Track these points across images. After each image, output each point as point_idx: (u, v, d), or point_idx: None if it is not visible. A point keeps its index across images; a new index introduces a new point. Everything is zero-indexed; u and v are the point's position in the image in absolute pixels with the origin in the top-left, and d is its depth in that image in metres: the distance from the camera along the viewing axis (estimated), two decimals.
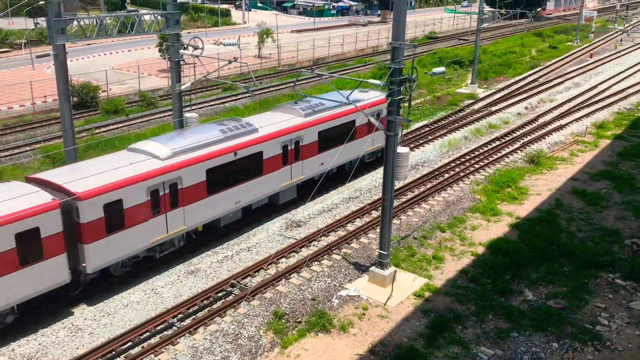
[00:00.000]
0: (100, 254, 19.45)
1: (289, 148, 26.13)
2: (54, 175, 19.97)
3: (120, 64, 59.57)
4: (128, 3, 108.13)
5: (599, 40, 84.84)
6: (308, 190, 27.84)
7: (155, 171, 20.75)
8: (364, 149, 30.44)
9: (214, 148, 23.00)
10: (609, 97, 50.77)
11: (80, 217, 18.75)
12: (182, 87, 27.83)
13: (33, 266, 17.78)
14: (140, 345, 17.75)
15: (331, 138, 28.14)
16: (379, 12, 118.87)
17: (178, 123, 27.98)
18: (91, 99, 43.19)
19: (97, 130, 38.17)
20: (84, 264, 19.27)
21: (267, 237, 24.77)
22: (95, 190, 18.97)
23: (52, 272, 18.33)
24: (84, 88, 43.10)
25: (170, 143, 22.23)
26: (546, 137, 39.50)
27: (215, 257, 23.09)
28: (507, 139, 38.63)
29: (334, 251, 23.54)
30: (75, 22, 23.45)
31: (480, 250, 24.15)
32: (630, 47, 78.49)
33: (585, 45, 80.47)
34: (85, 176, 19.51)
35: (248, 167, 24.29)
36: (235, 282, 20.96)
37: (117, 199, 19.54)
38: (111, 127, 39.28)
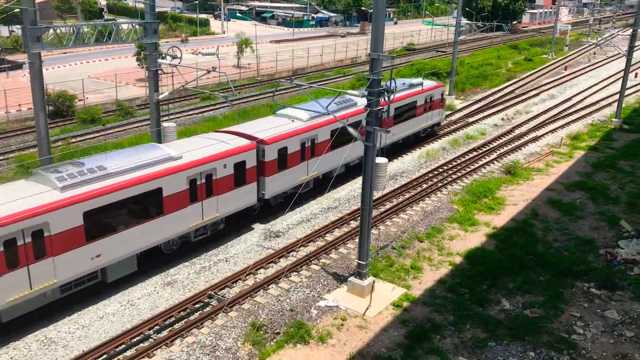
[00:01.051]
0: (273, 186, 26.69)
1: None
2: (238, 128, 27.55)
3: (98, 72, 59.04)
4: (106, 12, 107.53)
5: (574, 53, 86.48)
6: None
7: (304, 128, 27.99)
8: (422, 125, 38.62)
9: (334, 115, 27.80)
10: (583, 108, 51.70)
11: (265, 157, 25.88)
12: (160, 97, 27.64)
13: (240, 188, 24.81)
14: (116, 358, 17.46)
15: (398, 115, 35.46)
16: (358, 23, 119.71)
17: (155, 133, 27.77)
18: (67, 108, 42.71)
19: (73, 140, 37.69)
20: (263, 192, 26.37)
21: (246, 248, 24.63)
22: (274, 138, 26.22)
23: (249, 195, 25.43)
24: (60, 97, 42.60)
25: (307, 110, 27.58)
26: (522, 148, 40.04)
27: (193, 268, 22.87)
28: (484, 149, 39.07)
29: (313, 262, 23.49)
30: (51, 31, 23.19)
31: (458, 260, 24.30)
32: (603, 60, 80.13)
33: (560, 57, 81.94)
34: (262, 129, 26.66)
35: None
36: (212, 293, 20.77)
37: (285, 146, 26.76)
38: (87, 136, 38.83)
